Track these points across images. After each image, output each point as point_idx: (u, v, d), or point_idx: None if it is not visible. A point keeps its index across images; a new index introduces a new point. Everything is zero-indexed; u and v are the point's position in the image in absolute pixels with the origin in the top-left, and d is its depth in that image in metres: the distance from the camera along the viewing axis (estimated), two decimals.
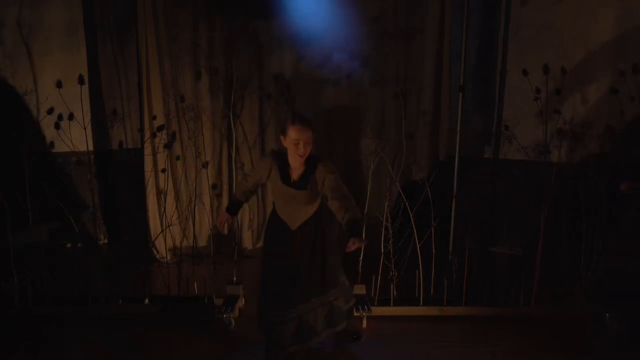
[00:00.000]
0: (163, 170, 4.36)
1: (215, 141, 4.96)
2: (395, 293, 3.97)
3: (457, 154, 4.58)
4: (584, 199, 3.92)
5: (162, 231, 4.51)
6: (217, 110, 4.91)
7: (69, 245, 4.51)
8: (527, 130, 4.38)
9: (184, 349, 3.52)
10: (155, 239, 4.79)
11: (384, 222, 3.95)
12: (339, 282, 3.33)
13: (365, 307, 3.79)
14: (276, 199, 3.25)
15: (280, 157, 3.13)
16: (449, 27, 4.74)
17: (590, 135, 4.45)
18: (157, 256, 4.85)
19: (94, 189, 4.53)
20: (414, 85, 4.93)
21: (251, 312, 3.48)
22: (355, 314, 3.68)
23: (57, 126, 4.16)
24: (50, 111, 4.17)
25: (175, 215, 4.65)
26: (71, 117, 4.07)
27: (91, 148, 4.71)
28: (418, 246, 3.92)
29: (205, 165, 4.35)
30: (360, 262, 4.06)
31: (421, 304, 3.95)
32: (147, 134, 4.66)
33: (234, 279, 4.12)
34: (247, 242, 5.13)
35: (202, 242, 4.98)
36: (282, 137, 3.07)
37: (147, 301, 3.97)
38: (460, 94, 4.55)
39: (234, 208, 3.48)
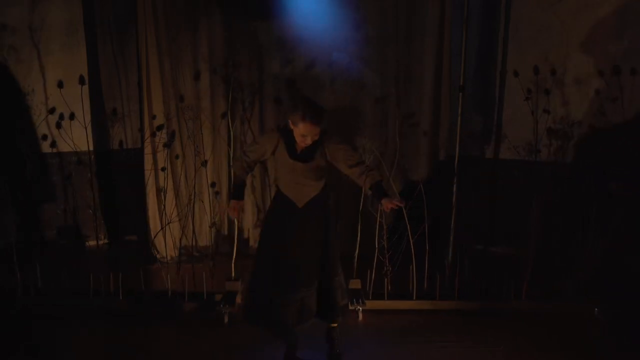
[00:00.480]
0: (163, 169, 4.36)
1: (214, 141, 4.95)
2: (389, 288, 4.05)
3: (457, 154, 4.58)
4: (578, 198, 3.98)
5: (161, 228, 4.52)
6: (216, 110, 4.90)
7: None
8: (527, 130, 4.40)
9: (184, 348, 3.53)
10: (154, 237, 4.78)
11: (377, 219, 4.00)
12: (339, 271, 3.34)
13: (360, 300, 3.90)
14: (281, 176, 3.22)
15: (286, 133, 3.11)
16: (449, 27, 4.74)
17: (588, 135, 4.48)
18: (158, 256, 4.84)
19: (94, 189, 4.55)
20: (414, 85, 4.93)
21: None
22: (350, 307, 3.78)
23: (58, 126, 4.18)
24: (52, 111, 4.20)
25: (175, 213, 4.66)
26: (72, 116, 4.09)
27: (91, 148, 4.72)
28: (411, 242, 3.98)
29: (204, 163, 4.34)
30: (356, 258, 4.13)
31: (414, 298, 4.04)
32: (147, 134, 4.66)
33: (232, 275, 4.16)
34: (253, 240, 5.11)
35: (202, 240, 4.98)
36: (290, 121, 3.05)
37: (146, 298, 4.01)
38: (460, 94, 4.54)
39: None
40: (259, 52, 4.84)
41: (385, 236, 4.01)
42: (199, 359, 3.42)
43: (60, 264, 4.12)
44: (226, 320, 3.80)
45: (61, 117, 4.24)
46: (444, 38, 4.77)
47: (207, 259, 4.46)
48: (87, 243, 4.82)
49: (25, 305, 3.94)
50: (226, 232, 5.10)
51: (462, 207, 4.56)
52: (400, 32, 4.84)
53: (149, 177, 4.73)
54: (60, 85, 4.04)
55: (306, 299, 3.18)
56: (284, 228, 3.18)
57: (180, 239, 4.69)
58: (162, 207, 4.72)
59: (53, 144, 4.44)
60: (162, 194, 4.60)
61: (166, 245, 4.63)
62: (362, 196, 4.09)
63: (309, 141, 3.03)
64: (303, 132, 2.98)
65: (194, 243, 4.49)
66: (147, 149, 4.72)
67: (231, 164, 4.66)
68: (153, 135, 4.55)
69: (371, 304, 3.99)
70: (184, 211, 4.53)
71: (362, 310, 3.94)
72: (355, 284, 4.07)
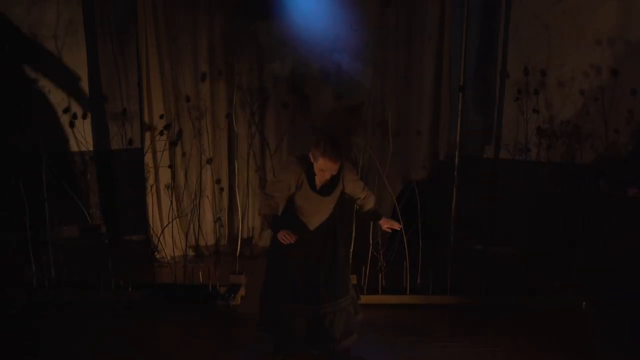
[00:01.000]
0: (170, 166, 4.36)
1: (216, 140, 4.96)
2: (383, 282, 4.11)
3: (457, 154, 4.59)
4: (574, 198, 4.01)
5: (165, 227, 4.55)
6: (217, 109, 4.91)
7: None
8: (528, 130, 4.41)
9: (184, 348, 3.53)
10: (161, 233, 4.78)
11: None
12: (350, 289, 3.36)
13: (356, 294, 3.89)
14: (298, 203, 3.19)
15: (308, 165, 3.10)
16: (449, 27, 4.74)
17: (587, 136, 4.49)
18: (158, 256, 4.84)
19: (95, 188, 4.56)
20: (414, 85, 4.93)
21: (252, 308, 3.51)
22: None
23: (71, 125, 4.39)
24: (66, 110, 4.33)
25: (181, 209, 4.70)
26: (85, 116, 4.18)
27: (91, 148, 4.73)
28: (405, 239, 4.03)
29: (209, 161, 4.36)
30: (351, 254, 4.20)
31: (408, 292, 4.11)
32: (147, 134, 4.67)
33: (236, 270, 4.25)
34: (265, 240, 5.10)
35: (205, 238, 4.99)
36: (310, 154, 3.04)
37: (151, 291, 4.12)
38: (460, 94, 4.55)
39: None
40: (259, 52, 4.85)
41: (378, 233, 4.04)
42: (199, 358, 3.43)
43: (73, 259, 4.25)
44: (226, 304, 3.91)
45: (74, 116, 4.39)
46: (444, 38, 4.78)
47: (211, 254, 4.55)
48: (127, 237, 5.09)
49: (39, 295, 4.09)
50: (226, 230, 5.14)
51: (462, 207, 4.56)
52: (400, 32, 4.84)
53: (149, 178, 4.73)
54: (61, 85, 4.07)
55: (321, 318, 3.17)
56: (296, 247, 3.14)
57: (187, 234, 4.70)
58: (170, 203, 4.70)
59: (64, 143, 4.52)
60: (169, 190, 4.60)
61: (173, 241, 4.69)
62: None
63: (327, 176, 3.05)
64: (322, 167, 3.01)
65: (198, 239, 4.53)
66: (147, 149, 4.73)
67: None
68: (153, 135, 4.57)
69: (366, 298, 4.07)
70: (190, 207, 4.55)
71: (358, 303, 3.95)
72: (351, 279, 4.08)
